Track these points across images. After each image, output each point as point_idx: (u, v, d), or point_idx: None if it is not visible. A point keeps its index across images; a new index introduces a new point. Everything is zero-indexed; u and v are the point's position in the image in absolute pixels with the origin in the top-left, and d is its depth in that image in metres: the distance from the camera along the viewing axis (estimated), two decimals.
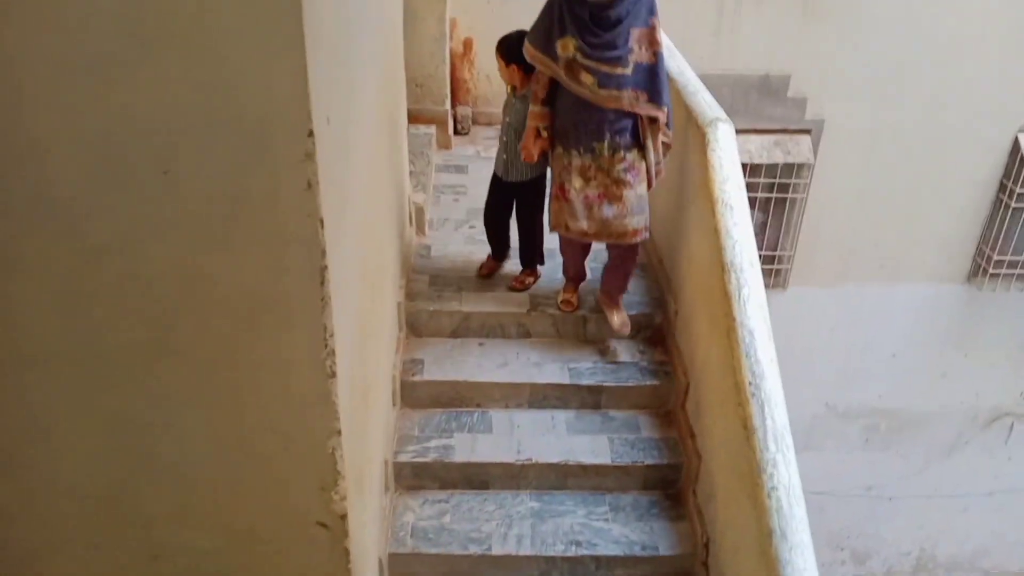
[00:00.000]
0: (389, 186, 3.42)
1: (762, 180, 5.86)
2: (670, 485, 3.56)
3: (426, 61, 5.39)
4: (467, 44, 5.73)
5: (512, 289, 4.06)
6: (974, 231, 6.19)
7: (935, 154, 5.89)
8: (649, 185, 3.56)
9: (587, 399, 3.78)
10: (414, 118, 5.16)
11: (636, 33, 3.27)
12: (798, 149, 5.83)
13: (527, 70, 3.59)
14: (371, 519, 2.87)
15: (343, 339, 2.14)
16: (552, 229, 3.72)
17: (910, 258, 6.26)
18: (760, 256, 3.30)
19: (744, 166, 4.06)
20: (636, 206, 3.51)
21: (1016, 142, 5.89)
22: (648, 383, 3.79)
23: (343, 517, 2.27)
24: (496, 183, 4.01)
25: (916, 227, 6.15)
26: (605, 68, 3.26)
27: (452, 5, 5.54)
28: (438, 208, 4.83)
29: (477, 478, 3.52)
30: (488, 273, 4.15)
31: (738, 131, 3.63)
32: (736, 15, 5.56)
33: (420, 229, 4.50)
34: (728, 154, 3.39)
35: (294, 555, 2.29)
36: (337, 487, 2.22)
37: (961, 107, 5.76)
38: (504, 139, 3.85)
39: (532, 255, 4.08)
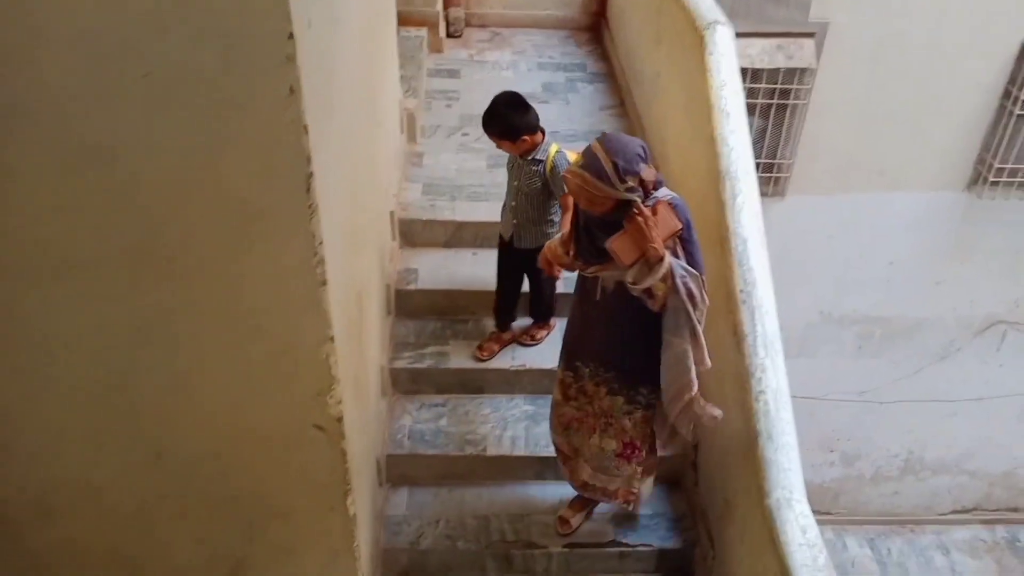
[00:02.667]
0: (378, 92, 3.36)
1: (763, 86, 5.73)
2: None
3: None
4: None
5: (523, 344, 3.68)
6: (975, 139, 6.10)
7: (939, 61, 5.74)
8: None
9: None
10: (404, 20, 5.00)
11: None
12: (801, 53, 5.68)
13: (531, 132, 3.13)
14: (369, 422, 2.95)
15: (333, 247, 2.15)
16: None
17: (910, 166, 6.19)
18: (759, 164, 3.28)
19: (744, 71, 3.98)
20: None
21: (1023, 48, 5.73)
22: None
23: (339, 420, 2.33)
24: (505, 248, 3.50)
25: (917, 135, 6.05)
26: None
27: None
28: (430, 115, 4.75)
29: (473, 383, 3.59)
30: (489, 356, 3.61)
31: (738, 34, 3.53)
32: None
33: (411, 136, 4.44)
34: (726, 59, 3.31)
35: (293, 456, 2.36)
36: (332, 392, 2.27)
37: (967, 13, 5.58)
38: (513, 204, 3.33)
39: (544, 309, 3.67)
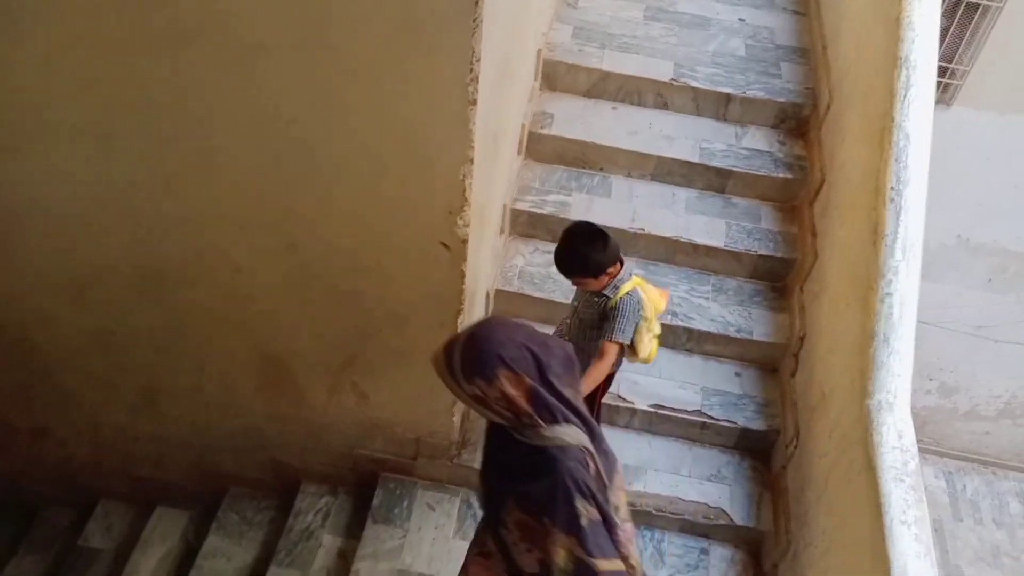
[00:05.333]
0: None
1: None
2: (778, 278, 3.55)
3: None
4: None
5: None
6: None
7: None
8: None
9: (713, 181, 3.71)
10: None
11: None
12: None
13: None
14: (486, 253, 3.02)
15: (487, 68, 2.13)
16: None
17: None
18: None
19: None
20: None
21: None
22: (780, 175, 3.66)
23: (464, 242, 2.40)
24: None
25: None
26: None
27: None
28: None
29: None
30: None
31: None
32: None
33: None
34: None
35: (416, 268, 2.46)
36: (463, 213, 2.32)
37: None
38: (568, 322, 2.89)
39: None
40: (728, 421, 3.25)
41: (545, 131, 3.72)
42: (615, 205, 3.63)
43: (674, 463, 3.25)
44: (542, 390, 1.77)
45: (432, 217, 2.33)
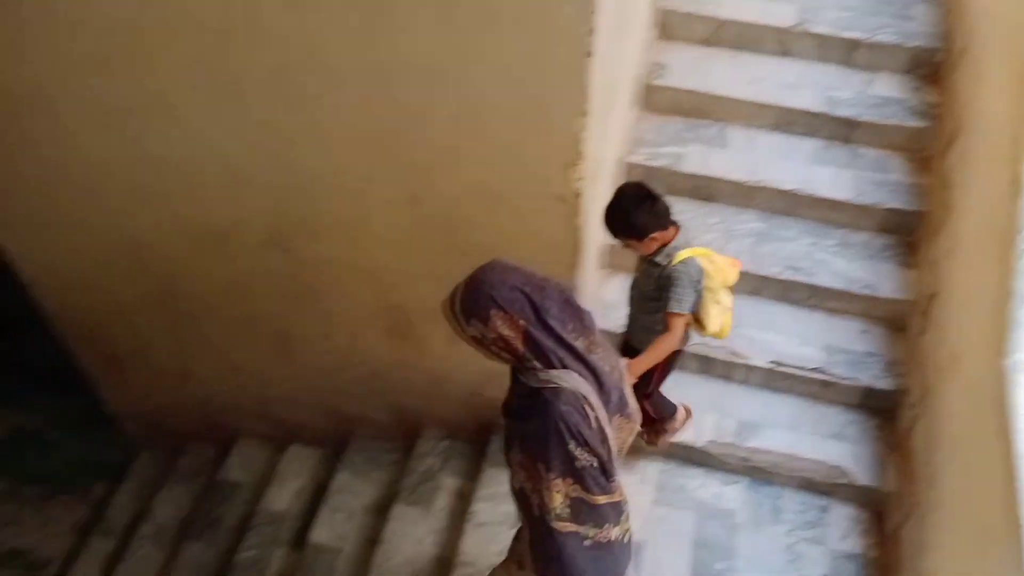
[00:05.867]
0: None
1: None
2: (908, 233, 3.39)
3: None
4: None
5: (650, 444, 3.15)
6: None
7: None
8: None
9: (838, 131, 3.56)
10: None
11: None
12: None
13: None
14: (599, 206, 3.03)
15: (604, 22, 2.12)
16: None
17: None
18: None
19: None
20: None
21: None
22: (911, 124, 3.47)
23: (578, 196, 2.42)
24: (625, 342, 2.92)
25: None
26: None
27: None
28: None
29: (704, 190, 3.53)
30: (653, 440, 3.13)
31: None
32: None
33: None
34: None
35: (531, 221, 2.50)
36: (577, 167, 2.35)
37: None
38: (630, 293, 2.79)
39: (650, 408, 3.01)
40: (852, 379, 3.16)
41: (659, 82, 3.65)
42: (733, 157, 3.54)
43: (793, 421, 3.20)
44: (537, 332, 1.80)
45: (547, 171, 2.36)
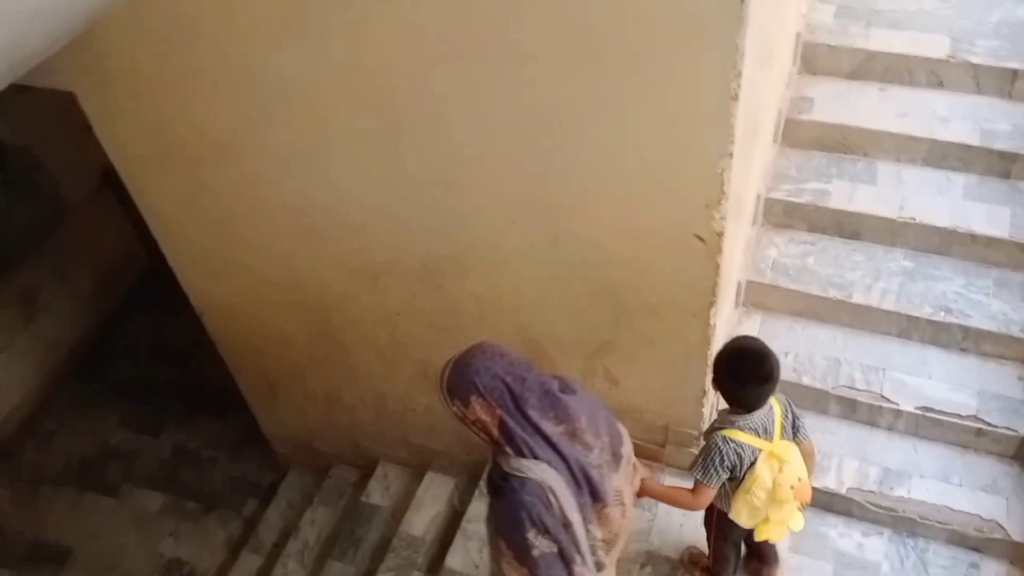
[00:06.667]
0: None
1: None
2: None
3: None
4: None
5: None
6: None
7: None
8: None
9: (995, 165, 3.38)
10: None
11: None
12: None
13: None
14: (739, 245, 3.01)
15: (750, 63, 2.14)
16: None
17: None
18: None
19: None
20: None
21: None
22: None
23: (720, 235, 2.42)
24: None
25: None
26: None
27: None
28: None
29: (849, 227, 3.43)
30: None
31: None
32: None
33: None
34: None
35: (670, 260, 2.52)
36: (719, 206, 2.35)
37: None
38: None
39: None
40: (1008, 428, 2.97)
41: (804, 116, 3.60)
42: (881, 192, 3.43)
43: (943, 470, 3.03)
44: (512, 422, 1.89)
45: (688, 211, 2.38)
